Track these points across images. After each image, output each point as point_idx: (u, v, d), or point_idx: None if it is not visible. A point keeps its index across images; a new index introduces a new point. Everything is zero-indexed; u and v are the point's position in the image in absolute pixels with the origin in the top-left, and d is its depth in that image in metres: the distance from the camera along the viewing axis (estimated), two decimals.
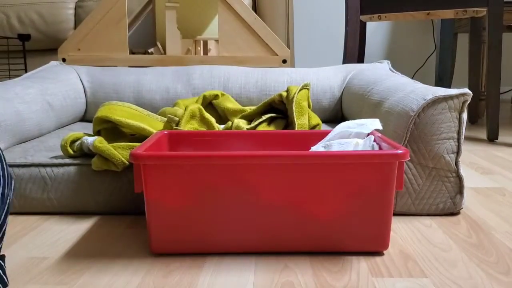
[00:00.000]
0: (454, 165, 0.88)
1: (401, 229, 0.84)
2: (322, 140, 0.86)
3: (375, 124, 0.84)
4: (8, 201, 0.63)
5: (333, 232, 0.72)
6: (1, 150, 0.65)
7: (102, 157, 0.88)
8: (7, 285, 0.62)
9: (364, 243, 0.73)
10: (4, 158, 0.64)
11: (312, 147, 0.85)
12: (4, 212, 0.62)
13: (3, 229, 0.64)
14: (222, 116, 1.25)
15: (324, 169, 0.70)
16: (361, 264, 0.70)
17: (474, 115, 2.04)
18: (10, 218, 0.64)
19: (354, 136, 0.84)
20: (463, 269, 0.69)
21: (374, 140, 0.80)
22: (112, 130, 0.98)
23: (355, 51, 1.83)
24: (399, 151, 0.70)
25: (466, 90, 0.86)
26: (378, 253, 0.74)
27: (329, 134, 0.87)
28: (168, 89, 1.38)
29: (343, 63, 1.80)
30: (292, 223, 0.72)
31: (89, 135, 0.95)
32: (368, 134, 0.83)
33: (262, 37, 1.57)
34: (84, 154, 0.93)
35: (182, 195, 0.71)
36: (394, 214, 0.89)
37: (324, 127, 1.11)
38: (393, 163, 0.70)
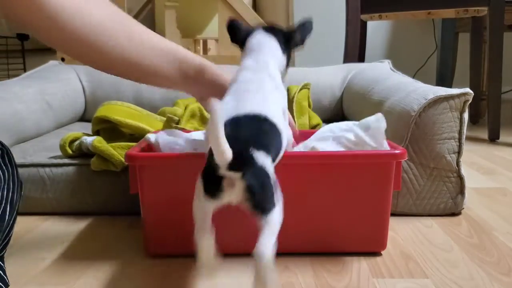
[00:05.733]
0: (455, 165, 0.87)
1: (402, 230, 0.83)
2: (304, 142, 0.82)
3: (376, 121, 0.80)
4: (16, 206, 0.63)
5: (330, 232, 0.72)
6: (12, 155, 0.64)
7: (101, 157, 0.88)
8: (8, 285, 0.61)
9: (361, 243, 0.73)
10: (15, 164, 0.63)
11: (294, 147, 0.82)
12: (13, 217, 0.62)
13: (10, 234, 0.64)
14: None
15: (322, 169, 0.70)
16: (362, 265, 0.70)
17: (475, 115, 2.03)
18: None
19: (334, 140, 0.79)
20: (464, 269, 0.69)
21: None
22: (111, 130, 0.97)
23: (355, 51, 1.82)
24: (397, 151, 0.70)
25: (467, 89, 0.86)
26: (376, 253, 0.73)
27: (311, 137, 0.83)
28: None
29: (344, 62, 1.80)
30: (290, 223, 0.71)
31: (88, 135, 0.95)
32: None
33: None
34: (83, 154, 0.93)
35: (178, 196, 0.70)
36: (395, 215, 0.88)
37: None
38: (391, 163, 0.70)
